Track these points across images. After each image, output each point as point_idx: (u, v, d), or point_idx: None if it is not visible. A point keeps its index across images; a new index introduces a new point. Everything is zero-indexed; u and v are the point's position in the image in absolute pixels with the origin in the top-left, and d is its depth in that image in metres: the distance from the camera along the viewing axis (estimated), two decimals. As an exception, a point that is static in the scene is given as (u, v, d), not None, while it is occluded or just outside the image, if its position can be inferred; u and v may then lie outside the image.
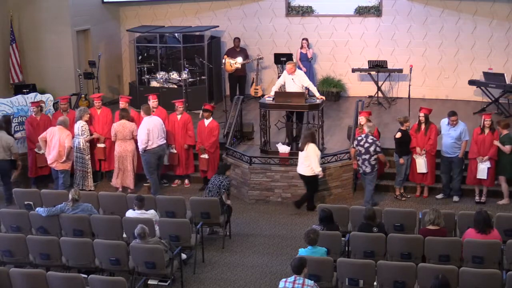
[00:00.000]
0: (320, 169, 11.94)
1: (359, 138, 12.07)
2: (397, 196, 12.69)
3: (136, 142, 12.93)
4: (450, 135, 12.24)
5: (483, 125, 12.20)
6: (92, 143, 13.36)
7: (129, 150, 12.92)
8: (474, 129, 12.41)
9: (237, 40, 17.37)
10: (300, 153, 12.06)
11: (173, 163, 13.45)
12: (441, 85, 17.26)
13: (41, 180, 13.52)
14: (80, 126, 13.06)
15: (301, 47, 16.98)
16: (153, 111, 13.19)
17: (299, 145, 12.26)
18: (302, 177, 12.17)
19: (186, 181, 13.67)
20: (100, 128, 13.45)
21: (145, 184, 13.32)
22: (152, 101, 13.35)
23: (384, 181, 13.02)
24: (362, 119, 12.40)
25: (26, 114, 13.63)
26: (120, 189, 13.03)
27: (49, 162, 12.76)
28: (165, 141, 12.96)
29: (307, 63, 16.87)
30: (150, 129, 12.62)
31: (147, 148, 12.65)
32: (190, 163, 13.55)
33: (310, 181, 12.12)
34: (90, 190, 12.69)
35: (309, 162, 11.91)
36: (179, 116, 13.32)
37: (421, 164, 12.36)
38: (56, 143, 12.57)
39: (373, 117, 13.22)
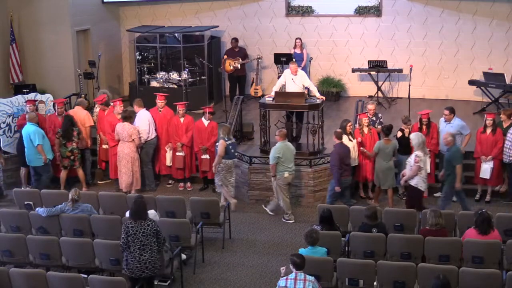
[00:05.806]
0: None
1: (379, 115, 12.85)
2: (399, 195, 12.69)
3: (135, 145, 12.88)
4: (446, 131, 12.25)
5: (485, 124, 12.21)
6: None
7: (125, 153, 12.78)
8: (478, 129, 12.42)
9: (234, 40, 17.31)
10: None
11: (179, 166, 13.29)
12: (441, 85, 17.26)
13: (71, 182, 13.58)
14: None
15: (294, 47, 16.95)
16: (160, 111, 13.27)
17: None
18: None
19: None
20: (107, 128, 13.37)
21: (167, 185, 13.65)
22: (159, 102, 13.36)
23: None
24: (365, 120, 12.55)
25: (26, 114, 13.65)
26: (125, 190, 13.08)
27: None
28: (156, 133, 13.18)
29: (301, 63, 16.57)
30: (150, 120, 12.71)
31: (148, 139, 12.69)
32: (193, 165, 13.55)
33: None
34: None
35: None
36: (182, 119, 13.26)
37: (426, 163, 12.34)
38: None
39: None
